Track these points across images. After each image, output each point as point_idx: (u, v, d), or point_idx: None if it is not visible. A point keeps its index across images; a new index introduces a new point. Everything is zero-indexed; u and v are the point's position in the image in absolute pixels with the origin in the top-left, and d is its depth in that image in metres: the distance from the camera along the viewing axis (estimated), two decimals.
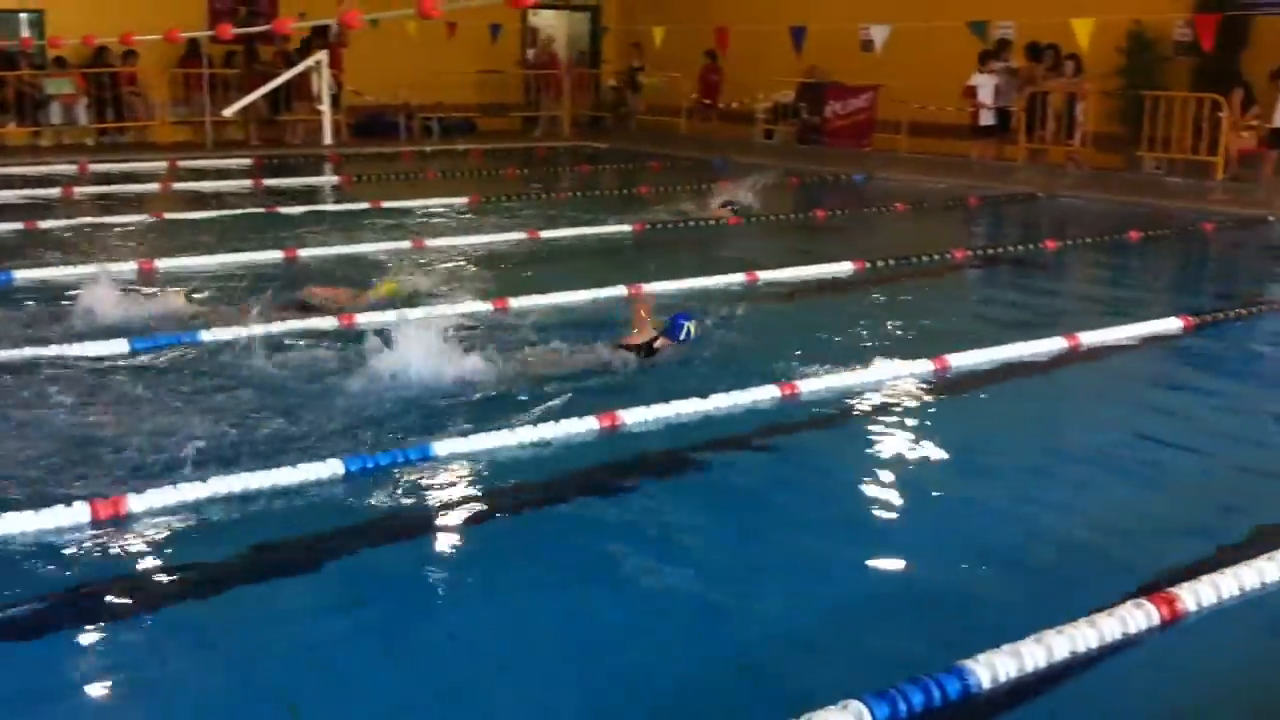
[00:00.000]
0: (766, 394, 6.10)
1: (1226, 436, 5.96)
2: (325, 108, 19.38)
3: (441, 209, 13.13)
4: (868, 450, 5.62)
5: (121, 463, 5.04)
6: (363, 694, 3.44)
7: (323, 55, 19.23)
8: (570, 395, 5.99)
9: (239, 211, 12.69)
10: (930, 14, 17.90)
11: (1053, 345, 7.21)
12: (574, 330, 7.30)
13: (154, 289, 8.29)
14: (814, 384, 6.29)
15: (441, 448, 5.19)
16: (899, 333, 7.61)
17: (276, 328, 7.18)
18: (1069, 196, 14.70)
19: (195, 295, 8.25)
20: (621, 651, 3.75)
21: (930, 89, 18.34)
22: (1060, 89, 16.86)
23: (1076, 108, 16.84)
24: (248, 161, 17.65)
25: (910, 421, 5.97)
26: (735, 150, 19.04)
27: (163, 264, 9.34)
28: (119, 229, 11.50)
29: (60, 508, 4.45)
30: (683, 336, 6.83)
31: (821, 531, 4.70)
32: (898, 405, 6.17)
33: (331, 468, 4.92)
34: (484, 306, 7.94)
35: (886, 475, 5.28)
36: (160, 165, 16.83)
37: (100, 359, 6.60)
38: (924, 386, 6.48)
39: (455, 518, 4.69)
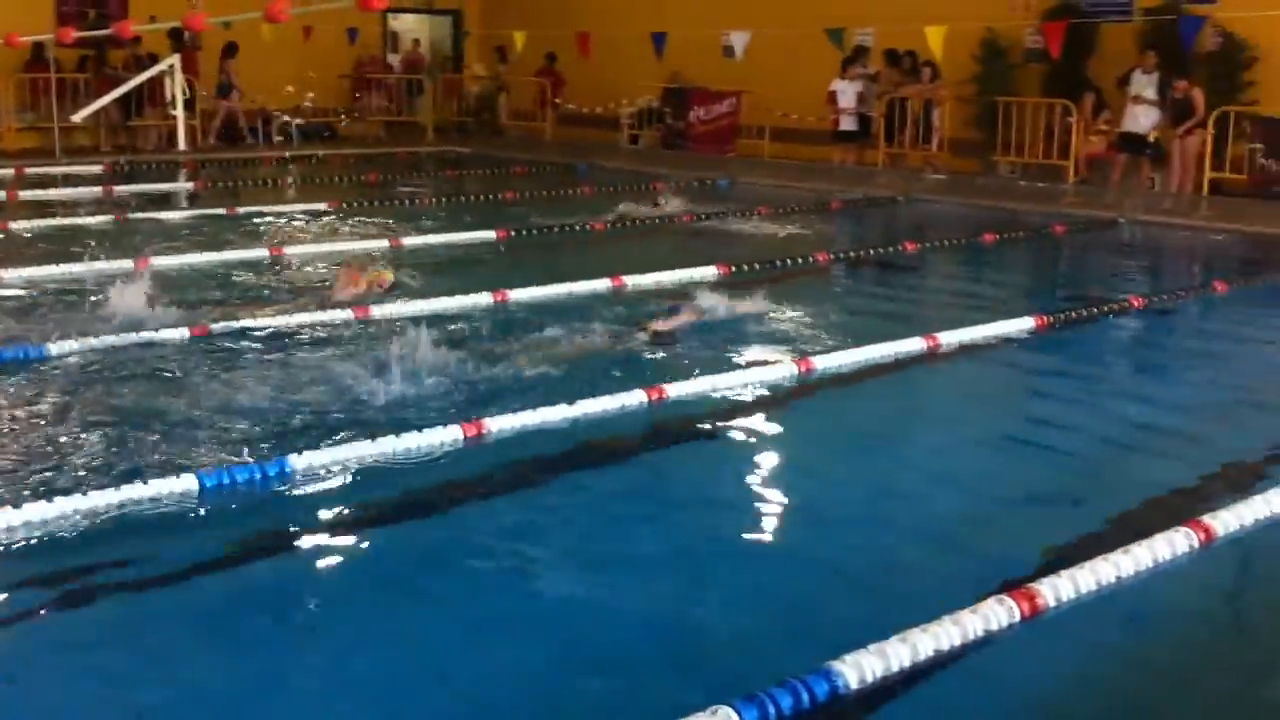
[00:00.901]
0: (635, 399, 6.07)
1: (1080, 432, 6.11)
2: (179, 113, 18.88)
3: (301, 215, 12.87)
4: (731, 453, 5.64)
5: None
6: None
7: (175, 59, 18.73)
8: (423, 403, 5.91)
9: (89, 220, 12.26)
10: (789, 21, 18.12)
11: (913, 346, 7.31)
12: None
13: None
14: (679, 389, 6.27)
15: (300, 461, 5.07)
16: (763, 336, 7.65)
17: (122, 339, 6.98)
18: (927, 200, 14.99)
19: (43, 305, 7.97)
20: (478, 662, 3.68)
21: (792, 95, 18.56)
22: (918, 95, 17.20)
23: (934, 113, 17.20)
24: (98, 169, 17.11)
25: (774, 424, 6.00)
26: (601, 155, 19.03)
27: (6, 274, 8.97)
28: None
29: None
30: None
31: (683, 538, 4.69)
32: (762, 408, 6.19)
33: (185, 483, 4.77)
34: (345, 315, 7.79)
35: (749, 478, 5.29)
36: (6, 172, 16.20)
37: None
38: (788, 389, 6.52)
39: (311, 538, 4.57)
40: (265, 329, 7.35)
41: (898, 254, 11.22)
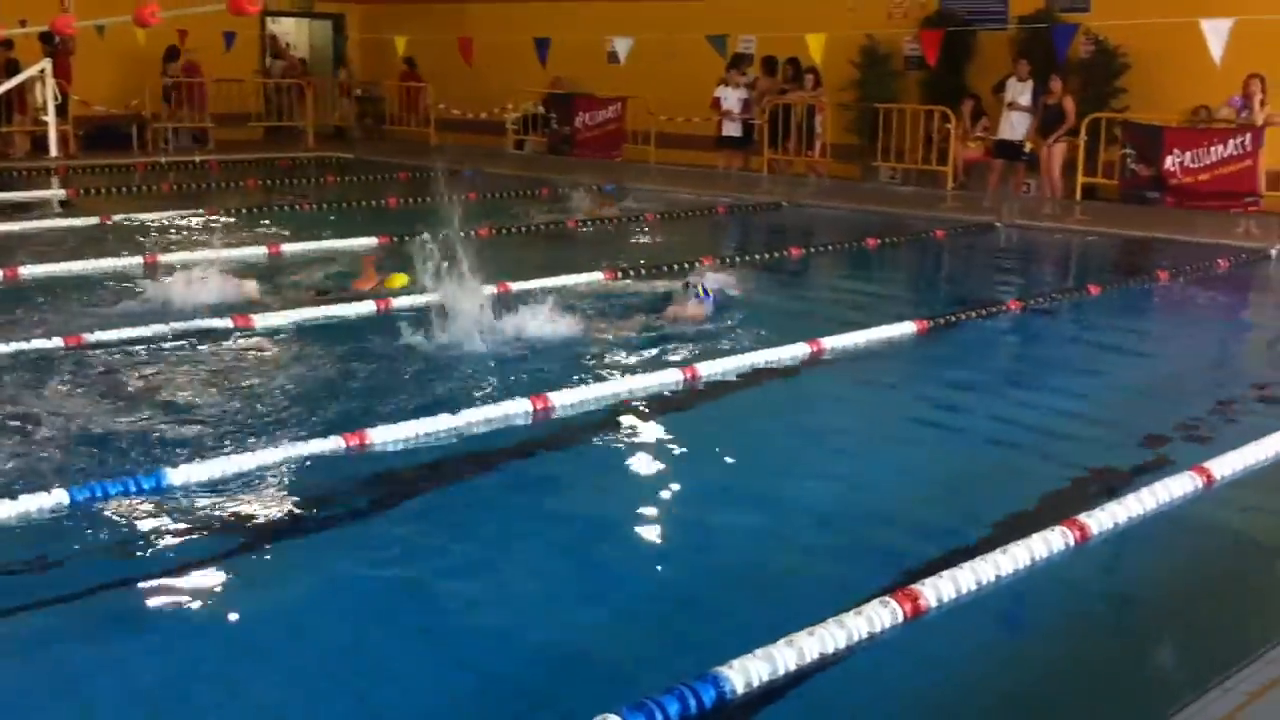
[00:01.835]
0: (519, 408, 6.03)
1: (961, 434, 6.21)
2: (50, 118, 18.35)
3: (177, 223, 12.59)
4: (616, 461, 5.63)
5: None
6: None
7: (46, 64, 18.20)
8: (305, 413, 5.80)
9: None
10: (672, 27, 18.22)
11: (797, 351, 7.36)
12: (310, 342, 7.12)
13: None
14: (565, 397, 6.24)
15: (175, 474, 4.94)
16: (648, 342, 7.65)
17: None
18: (811, 205, 15.15)
19: None
20: (361, 679, 3.62)
21: (677, 101, 18.66)
22: (800, 101, 17.39)
23: (816, 120, 17.41)
24: None
25: (659, 431, 6.00)
26: (486, 161, 18.93)
27: None
28: None
29: None
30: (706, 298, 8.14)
31: (568, 547, 4.67)
32: (648, 415, 6.19)
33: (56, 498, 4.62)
34: (224, 323, 7.64)
35: (634, 484, 5.29)
36: None
37: None
38: (673, 395, 6.53)
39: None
40: (137, 340, 7.18)
41: (783, 259, 11.33)
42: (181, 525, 4.58)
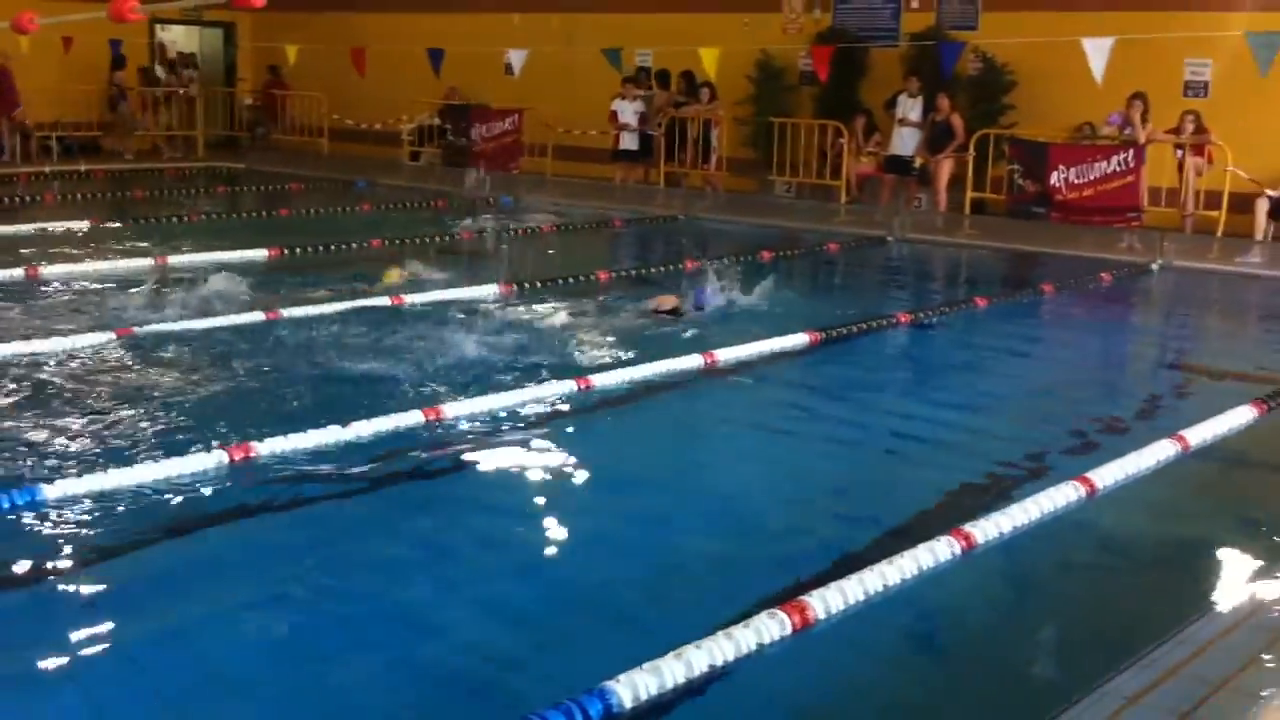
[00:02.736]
0: (411, 419, 5.96)
1: (852, 445, 6.27)
2: None
3: (60, 234, 12.26)
4: (510, 473, 5.59)
5: None
6: None
7: None
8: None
9: None
10: (567, 40, 18.19)
11: (690, 363, 7.37)
12: (205, 354, 6.97)
13: None
14: (458, 408, 6.19)
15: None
16: (544, 353, 7.61)
17: None
18: (707, 218, 15.23)
19: None
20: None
21: (574, 113, 18.64)
22: (696, 115, 17.48)
23: (712, 133, 17.50)
24: None
25: (552, 442, 5.97)
26: (381, 172, 18.73)
27: None
28: None
29: None
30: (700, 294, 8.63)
31: (458, 559, 4.63)
32: (542, 426, 6.15)
33: None
34: (107, 336, 7.45)
35: (527, 497, 5.27)
36: None
37: None
38: (567, 407, 6.50)
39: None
40: (16, 355, 6.99)
41: (678, 271, 11.34)
42: (61, 541, 4.46)
